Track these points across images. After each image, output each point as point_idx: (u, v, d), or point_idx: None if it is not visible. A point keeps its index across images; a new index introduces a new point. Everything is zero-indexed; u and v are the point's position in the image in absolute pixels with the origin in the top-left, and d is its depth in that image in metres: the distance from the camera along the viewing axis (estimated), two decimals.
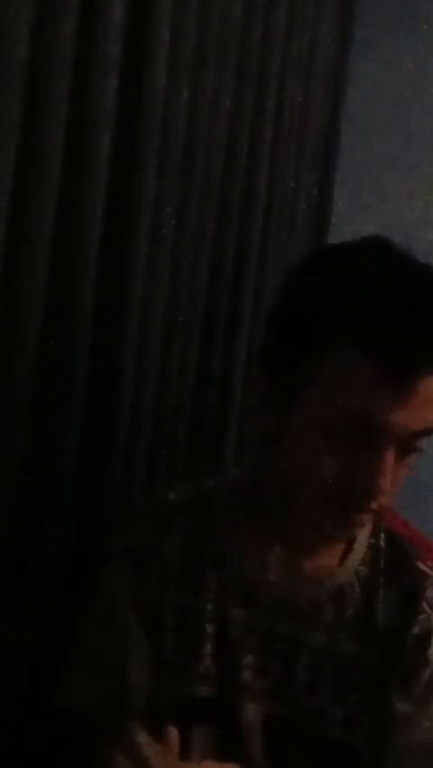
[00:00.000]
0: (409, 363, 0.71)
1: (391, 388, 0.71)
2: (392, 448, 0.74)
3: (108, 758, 0.80)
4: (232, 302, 1.37)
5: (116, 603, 0.87)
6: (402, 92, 1.96)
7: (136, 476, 1.11)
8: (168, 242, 1.10)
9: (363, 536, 0.88)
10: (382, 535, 0.89)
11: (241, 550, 0.87)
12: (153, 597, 0.87)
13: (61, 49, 0.81)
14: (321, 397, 0.75)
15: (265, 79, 1.39)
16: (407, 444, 0.76)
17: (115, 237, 0.96)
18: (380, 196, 1.96)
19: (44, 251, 0.84)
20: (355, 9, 1.93)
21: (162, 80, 1.00)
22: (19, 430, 0.85)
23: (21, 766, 0.90)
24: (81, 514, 0.97)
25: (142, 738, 0.79)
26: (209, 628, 0.86)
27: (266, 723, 0.84)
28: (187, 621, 0.86)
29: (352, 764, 0.83)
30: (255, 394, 0.82)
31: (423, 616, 0.85)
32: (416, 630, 0.84)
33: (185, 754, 0.82)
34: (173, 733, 0.81)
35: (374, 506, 0.77)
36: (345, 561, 0.87)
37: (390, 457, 0.74)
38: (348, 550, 0.87)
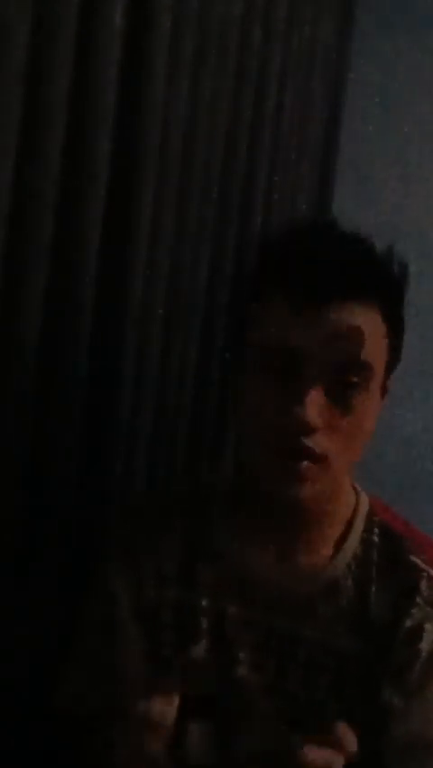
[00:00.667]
0: (316, 293, 0.77)
1: (302, 317, 0.77)
2: (315, 380, 0.77)
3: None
4: (232, 302, 1.37)
5: (115, 603, 0.87)
6: (402, 92, 1.96)
7: (136, 476, 1.11)
8: (168, 242, 1.10)
9: (356, 530, 0.88)
10: (376, 530, 0.89)
11: (236, 546, 0.87)
12: (151, 595, 0.87)
13: (61, 49, 0.81)
14: (254, 338, 0.82)
15: (265, 79, 1.39)
16: (337, 380, 0.78)
17: (115, 237, 0.96)
18: (380, 195, 1.96)
19: (44, 251, 0.84)
20: (355, 9, 1.93)
21: (162, 80, 1.00)
22: (19, 430, 0.86)
23: (21, 766, 0.90)
24: (81, 514, 0.97)
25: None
26: (205, 624, 0.86)
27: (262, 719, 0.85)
28: (183, 617, 0.86)
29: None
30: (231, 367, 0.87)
31: (416, 609, 0.85)
32: (409, 623, 0.84)
33: (180, 749, 0.82)
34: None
35: (307, 443, 0.77)
36: (338, 554, 0.87)
37: (310, 388, 0.77)
38: (342, 543, 0.87)
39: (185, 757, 0.80)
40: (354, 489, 0.91)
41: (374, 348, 0.80)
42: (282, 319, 0.79)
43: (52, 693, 0.88)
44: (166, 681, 0.76)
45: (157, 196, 1.03)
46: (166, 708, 0.74)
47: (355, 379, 0.78)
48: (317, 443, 0.77)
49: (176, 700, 0.74)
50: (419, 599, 0.85)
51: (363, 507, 0.90)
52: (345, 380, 0.78)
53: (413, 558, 0.87)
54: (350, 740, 0.71)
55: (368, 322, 0.79)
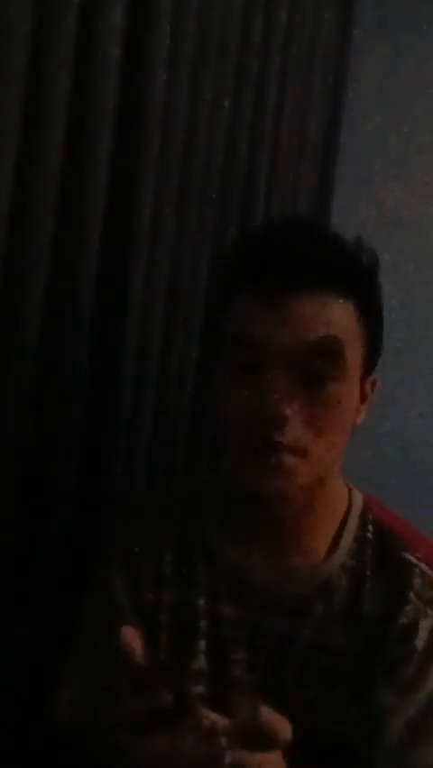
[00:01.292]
0: (278, 284, 0.78)
1: (266, 309, 0.78)
2: (282, 370, 0.77)
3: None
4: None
5: (115, 603, 0.87)
6: (402, 92, 1.96)
7: (136, 476, 1.11)
8: (168, 242, 1.10)
9: (349, 528, 0.88)
10: (370, 527, 0.89)
11: (230, 547, 0.87)
12: (150, 596, 0.87)
13: (61, 49, 0.81)
14: (225, 331, 0.82)
15: (265, 79, 1.39)
16: (308, 370, 0.78)
17: (115, 237, 0.96)
18: (379, 196, 1.96)
19: (44, 251, 0.84)
20: (355, 9, 1.93)
21: (162, 80, 1.00)
22: (19, 430, 0.86)
23: (21, 766, 0.90)
24: (81, 514, 0.97)
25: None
26: (203, 625, 0.86)
27: None
28: (181, 618, 0.87)
29: (342, 757, 0.83)
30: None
31: (410, 606, 0.85)
32: (403, 620, 0.84)
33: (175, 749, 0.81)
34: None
35: (278, 437, 0.76)
36: (332, 554, 0.87)
37: (277, 379, 0.77)
38: (336, 543, 0.87)
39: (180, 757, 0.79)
40: (348, 487, 0.91)
41: (345, 336, 0.79)
42: (250, 312, 0.79)
43: (52, 694, 0.88)
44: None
45: (157, 196, 1.03)
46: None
47: (326, 368, 0.78)
48: (291, 434, 0.77)
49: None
50: (411, 596, 0.85)
51: (357, 506, 0.90)
52: (315, 370, 0.78)
53: (406, 555, 0.87)
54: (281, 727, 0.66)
55: (337, 311, 0.79)
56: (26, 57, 0.76)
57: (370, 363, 0.84)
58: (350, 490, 0.91)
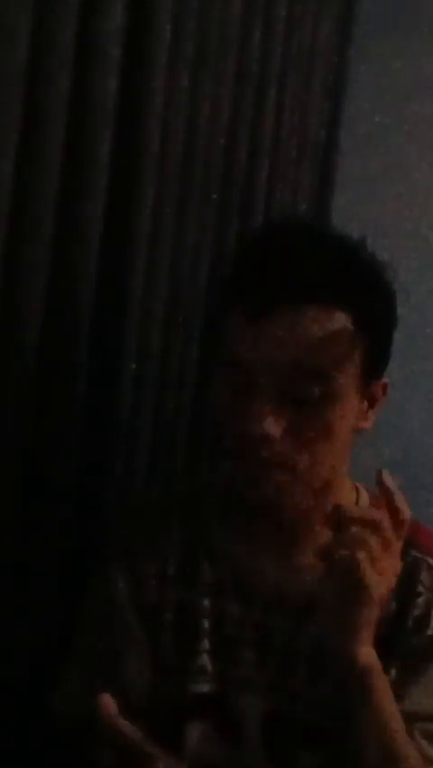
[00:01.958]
0: (264, 302, 0.76)
1: (253, 326, 0.77)
2: (270, 391, 0.76)
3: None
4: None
5: (115, 603, 0.87)
6: (402, 92, 1.96)
7: (136, 476, 1.11)
8: (168, 242, 1.10)
9: None
10: None
11: (234, 546, 0.87)
12: (151, 595, 0.87)
13: (61, 49, 0.81)
14: (222, 351, 0.81)
15: (265, 79, 1.39)
16: (294, 389, 0.76)
17: (115, 237, 0.96)
18: (379, 196, 1.95)
19: (44, 251, 0.84)
20: (355, 9, 1.93)
21: (162, 80, 1.00)
22: (19, 430, 0.86)
23: (21, 766, 0.90)
24: (81, 514, 0.97)
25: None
26: (206, 624, 0.86)
27: (266, 717, 0.85)
28: (184, 618, 0.87)
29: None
30: None
31: (421, 598, 0.85)
32: (416, 613, 0.85)
33: (180, 751, 0.82)
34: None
35: (265, 454, 0.76)
36: None
37: (261, 396, 0.76)
38: None
39: (184, 758, 0.80)
40: (355, 486, 0.91)
41: (337, 355, 0.77)
42: (238, 330, 0.78)
43: (52, 693, 0.88)
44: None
45: (157, 196, 1.03)
46: None
47: (311, 391, 0.77)
48: (278, 452, 0.77)
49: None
50: (421, 588, 0.86)
51: (364, 504, 0.90)
52: (301, 391, 0.77)
53: (413, 552, 0.87)
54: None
55: (328, 327, 0.77)
56: (26, 57, 0.76)
57: (374, 369, 0.82)
58: (357, 489, 0.91)
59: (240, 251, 0.86)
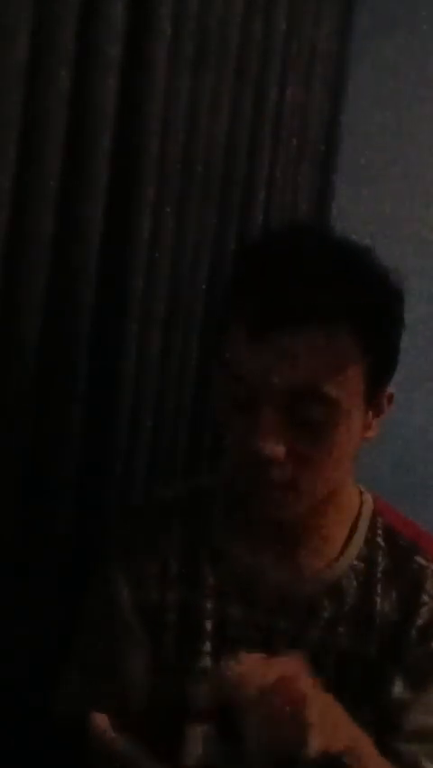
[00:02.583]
0: (265, 321, 0.74)
1: (254, 345, 0.75)
2: (269, 408, 0.75)
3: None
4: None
5: (116, 603, 0.87)
6: (402, 92, 1.96)
7: (136, 476, 1.11)
8: (168, 242, 1.10)
9: (360, 532, 0.88)
10: (380, 531, 0.89)
11: (238, 547, 0.87)
12: (153, 596, 0.87)
13: (61, 49, 0.81)
14: (222, 354, 0.79)
15: (265, 79, 1.39)
16: (293, 409, 0.75)
17: (115, 237, 0.96)
18: (380, 196, 1.95)
19: (44, 251, 0.84)
20: (355, 9, 1.93)
21: (162, 80, 1.00)
22: (19, 430, 0.85)
23: (21, 766, 0.90)
24: (81, 514, 0.97)
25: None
26: (208, 626, 0.86)
27: None
28: (186, 619, 0.86)
29: None
30: None
31: (425, 608, 0.85)
32: (419, 622, 0.85)
33: (180, 751, 0.81)
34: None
35: (265, 473, 0.76)
36: (342, 556, 0.87)
37: (264, 416, 0.75)
38: (345, 545, 0.87)
39: (185, 759, 0.80)
40: (359, 490, 0.91)
41: (341, 377, 0.75)
42: (239, 348, 0.76)
43: (52, 694, 0.88)
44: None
45: (157, 196, 1.03)
46: None
47: (311, 412, 0.75)
48: (279, 471, 0.76)
49: None
50: (425, 598, 0.85)
51: (367, 509, 0.90)
52: (301, 412, 0.75)
53: (417, 558, 0.87)
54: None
55: (331, 349, 0.75)
56: (26, 57, 0.76)
57: (380, 382, 0.80)
58: (361, 493, 0.91)
59: (240, 262, 0.84)
